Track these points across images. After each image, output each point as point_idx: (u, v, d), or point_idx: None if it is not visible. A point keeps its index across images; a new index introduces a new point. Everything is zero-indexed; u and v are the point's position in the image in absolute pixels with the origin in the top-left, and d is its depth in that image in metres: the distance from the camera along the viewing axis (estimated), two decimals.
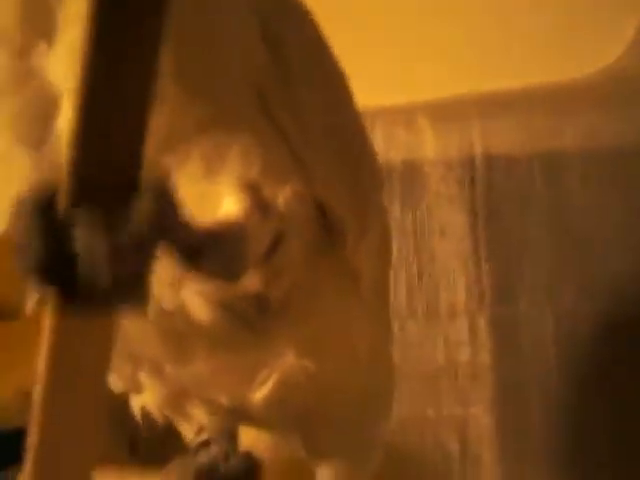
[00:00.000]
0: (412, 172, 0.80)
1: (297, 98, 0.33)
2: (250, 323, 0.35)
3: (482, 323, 0.74)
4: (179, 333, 0.35)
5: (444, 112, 0.83)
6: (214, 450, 0.36)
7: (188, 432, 0.40)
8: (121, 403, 0.39)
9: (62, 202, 0.22)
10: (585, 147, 0.77)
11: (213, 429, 0.38)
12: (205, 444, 0.37)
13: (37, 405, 0.24)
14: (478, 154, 0.80)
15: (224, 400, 0.39)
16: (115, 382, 0.37)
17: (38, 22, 0.29)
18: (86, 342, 0.24)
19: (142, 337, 0.35)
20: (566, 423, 0.70)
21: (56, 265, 0.21)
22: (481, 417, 0.71)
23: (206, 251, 0.27)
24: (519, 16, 0.87)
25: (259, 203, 0.31)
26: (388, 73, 0.85)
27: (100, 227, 0.21)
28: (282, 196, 0.32)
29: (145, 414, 0.40)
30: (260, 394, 0.38)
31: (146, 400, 0.39)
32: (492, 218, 0.77)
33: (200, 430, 0.38)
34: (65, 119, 0.30)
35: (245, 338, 0.35)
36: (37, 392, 0.24)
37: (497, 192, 0.78)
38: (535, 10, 0.87)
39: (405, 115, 0.83)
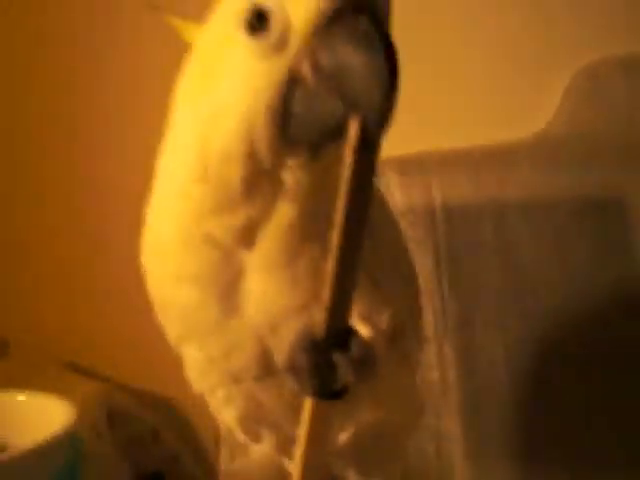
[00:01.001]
0: None
1: (381, 261, 0.50)
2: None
3: (447, 348, 0.90)
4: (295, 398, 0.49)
5: (408, 167, 0.98)
6: None
7: None
8: None
9: (322, 343, 0.41)
10: (524, 198, 0.94)
11: None
12: None
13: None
14: (438, 204, 0.94)
15: None
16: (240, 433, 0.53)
17: (245, 235, 0.45)
18: (326, 422, 0.44)
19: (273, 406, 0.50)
20: (518, 427, 0.87)
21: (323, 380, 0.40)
22: (451, 426, 0.88)
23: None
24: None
25: (378, 331, 0.49)
26: None
27: (345, 354, 0.41)
28: (383, 323, 0.50)
29: None
30: (339, 438, 0.53)
31: (263, 448, 0.54)
32: (452, 260, 0.91)
33: None
34: (248, 283, 0.46)
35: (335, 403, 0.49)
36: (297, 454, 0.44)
37: (456, 238, 0.92)
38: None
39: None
